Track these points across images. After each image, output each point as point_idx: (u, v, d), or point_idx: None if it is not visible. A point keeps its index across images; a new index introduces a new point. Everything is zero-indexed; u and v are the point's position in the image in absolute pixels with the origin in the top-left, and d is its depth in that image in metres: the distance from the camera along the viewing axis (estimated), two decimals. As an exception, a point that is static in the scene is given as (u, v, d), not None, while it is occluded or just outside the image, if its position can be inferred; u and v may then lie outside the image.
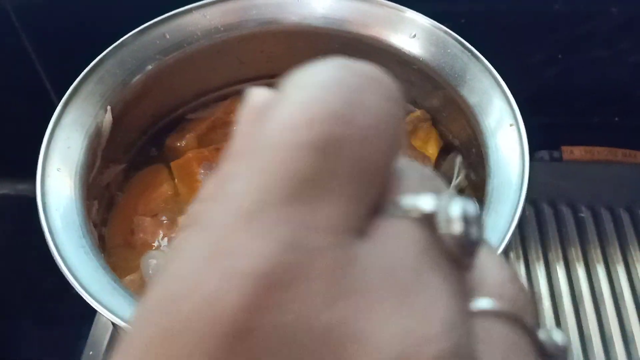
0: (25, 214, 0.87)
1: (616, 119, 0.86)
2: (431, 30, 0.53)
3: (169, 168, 0.57)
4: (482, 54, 0.52)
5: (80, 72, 0.51)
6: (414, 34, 0.54)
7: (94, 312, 0.71)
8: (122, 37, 0.54)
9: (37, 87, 0.81)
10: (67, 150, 0.47)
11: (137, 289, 0.49)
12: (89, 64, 0.52)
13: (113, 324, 0.55)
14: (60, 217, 0.43)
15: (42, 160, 0.45)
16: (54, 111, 0.82)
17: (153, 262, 0.50)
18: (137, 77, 0.53)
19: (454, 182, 0.55)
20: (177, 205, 0.56)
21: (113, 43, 0.53)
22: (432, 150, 0.59)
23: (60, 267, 0.39)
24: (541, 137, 0.85)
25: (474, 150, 0.52)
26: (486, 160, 0.47)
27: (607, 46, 0.79)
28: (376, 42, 0.55)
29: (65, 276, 0.38)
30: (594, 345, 0.70)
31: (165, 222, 0.54)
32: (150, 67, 0.54)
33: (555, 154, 0.86)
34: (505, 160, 0.46)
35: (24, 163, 0.84)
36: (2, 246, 0.84)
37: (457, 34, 0.53)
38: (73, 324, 0.76)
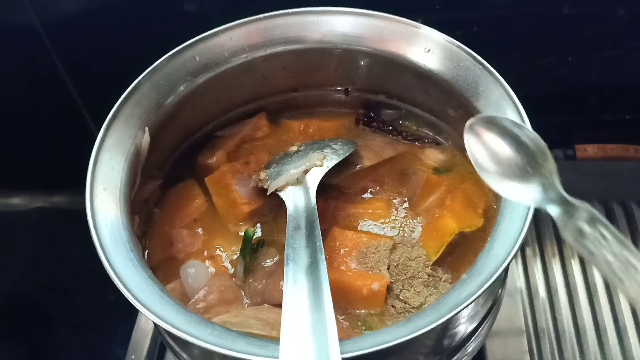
0: (59, 225, 0.91)
1: (627, 116, 0.88)
2: (445, 45, 0.56)
3: (200, 183, 0.60)
4: (494, 59, 0.54)
5: (111, 89, 0.54)
6: (429, 49, 0.56)
7: (128, 317, 0.74)
8: (151, 56, 0.56)
9: (69, 104, 0.84)
10: (111, 170, 0.50)
11: (177, 297, 0.53)
12: (118, 82, 0.54)
13: (157, 327, 0.58)
14: (109, 234, 0.46)
15: (89, 182, 0.48)
16: (85, 127, 0.86)
17: (192, 270, 0.53)
18: (171, 98, 0.56)
19: None
20: (212, 216, 0.58)
21: (142, 63, 0.56)
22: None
23: (114, 282, 0.42)
24: (555, 136, 0.87)
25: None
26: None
27: (615, 46, 0.80)
28: (393, 56, 0.58)
29: (120, 290, 0.42)
30: (609, 335, 0.72)
31: (201, 233, 0.58)
32: (182, 88, 0.57)
33: (569, 152, 0.88)
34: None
35: (58, 177, 0.87)
36: (38, 256, 0.87)
37: (471, 41, 0.55)
38: (108, 331, 0.78)
